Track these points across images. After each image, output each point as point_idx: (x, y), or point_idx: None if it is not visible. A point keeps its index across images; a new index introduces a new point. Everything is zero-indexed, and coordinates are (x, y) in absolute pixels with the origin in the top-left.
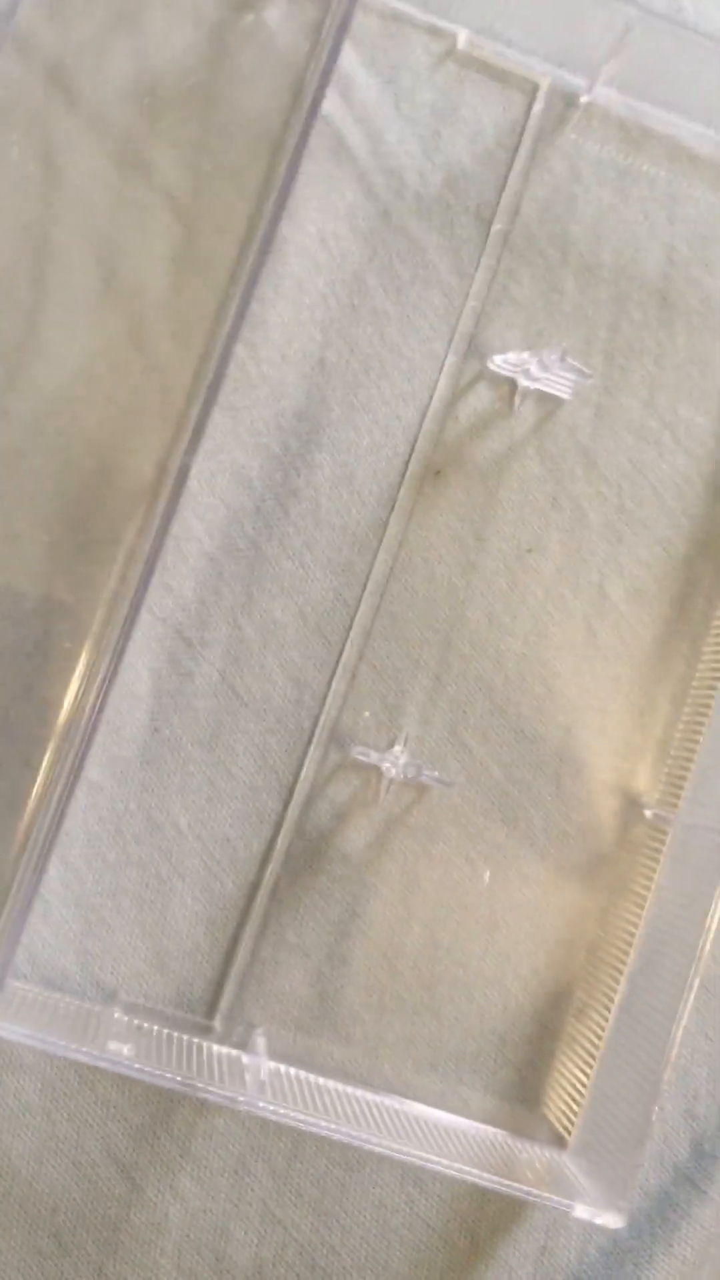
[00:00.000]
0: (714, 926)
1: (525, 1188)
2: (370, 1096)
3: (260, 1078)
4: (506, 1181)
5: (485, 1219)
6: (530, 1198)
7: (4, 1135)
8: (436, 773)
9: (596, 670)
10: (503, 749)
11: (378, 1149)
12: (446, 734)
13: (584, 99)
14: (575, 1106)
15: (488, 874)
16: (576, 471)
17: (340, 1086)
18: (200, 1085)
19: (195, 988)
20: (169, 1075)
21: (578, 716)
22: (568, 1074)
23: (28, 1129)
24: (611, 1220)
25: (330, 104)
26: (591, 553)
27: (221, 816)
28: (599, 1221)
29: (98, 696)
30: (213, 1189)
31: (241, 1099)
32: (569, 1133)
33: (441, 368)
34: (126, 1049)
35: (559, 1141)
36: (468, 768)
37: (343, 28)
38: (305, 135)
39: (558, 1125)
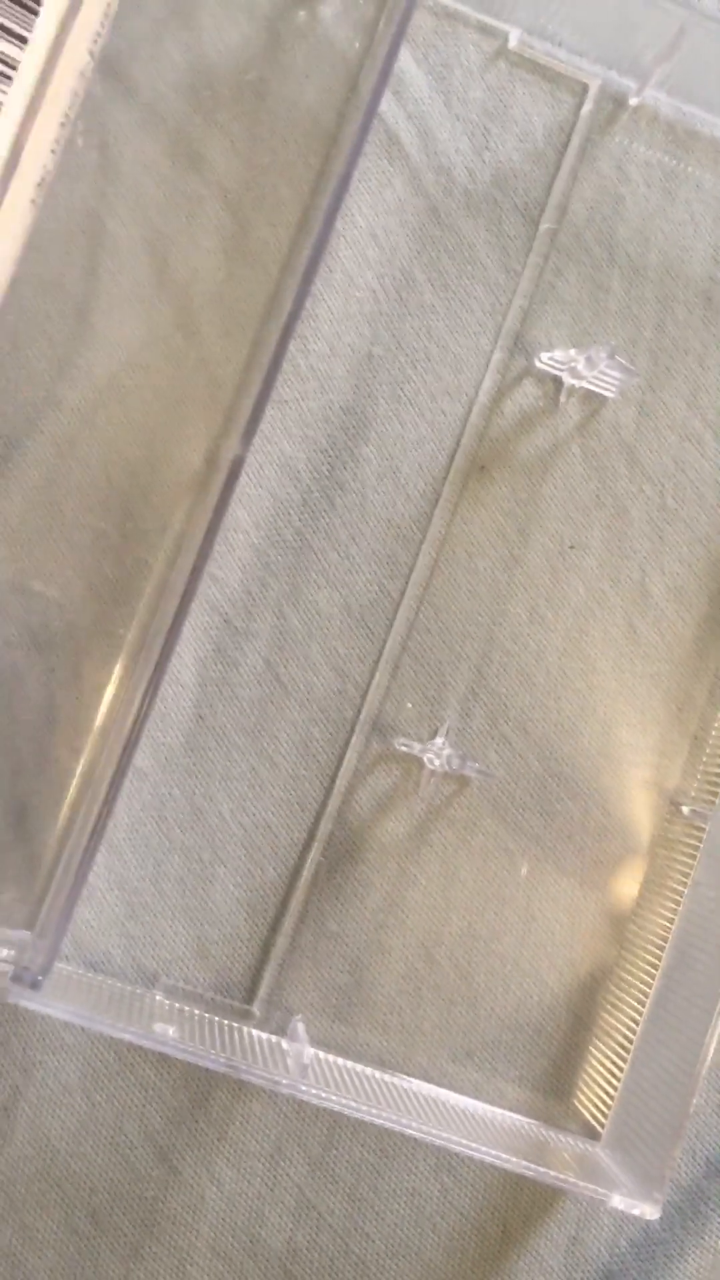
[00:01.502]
0: None
1: (564, 1177)
2: (406, 1084)
3: (303, 1062)
4: (546, 1170)
5: (518, 1209)
6: (568, 1187)
7: (44, 1115)
8: (478, 764)
9: (636, 667)
10: (542, 743)
11: (420, 1134)
12: (487, 726)
13: (633, 101)
14: (608, 1099)
15: (525, 867)
16: (620, 469)
17: (376, 1074)
18: (244, 1068)
19: (235, 973)
20: (214, 1056)
21: (617, 712)
22: (601, 1066)
23: (67, 1110)
24: (648, 1211)
25: (382, 100)
26: (633, 550)
27: (264, 804)
28: (635, 1212)
29: (148, 684)
30: (249, 1173)
31: (285, 1082)
32: (601, 1125)
33: (488, 364)
34: (172, 1030)
35: (591, 1133)
36: (507, 761)
37: (401, 27)
38: (363, 133)
39: (589, 1117)
